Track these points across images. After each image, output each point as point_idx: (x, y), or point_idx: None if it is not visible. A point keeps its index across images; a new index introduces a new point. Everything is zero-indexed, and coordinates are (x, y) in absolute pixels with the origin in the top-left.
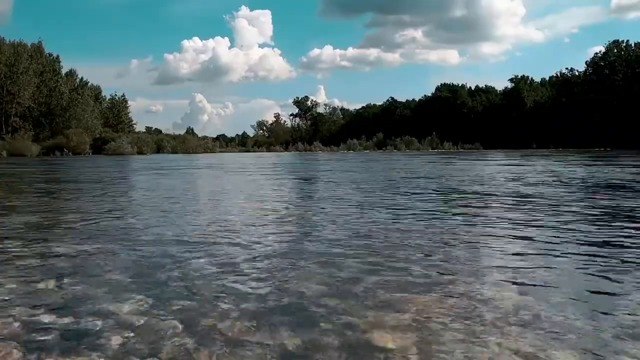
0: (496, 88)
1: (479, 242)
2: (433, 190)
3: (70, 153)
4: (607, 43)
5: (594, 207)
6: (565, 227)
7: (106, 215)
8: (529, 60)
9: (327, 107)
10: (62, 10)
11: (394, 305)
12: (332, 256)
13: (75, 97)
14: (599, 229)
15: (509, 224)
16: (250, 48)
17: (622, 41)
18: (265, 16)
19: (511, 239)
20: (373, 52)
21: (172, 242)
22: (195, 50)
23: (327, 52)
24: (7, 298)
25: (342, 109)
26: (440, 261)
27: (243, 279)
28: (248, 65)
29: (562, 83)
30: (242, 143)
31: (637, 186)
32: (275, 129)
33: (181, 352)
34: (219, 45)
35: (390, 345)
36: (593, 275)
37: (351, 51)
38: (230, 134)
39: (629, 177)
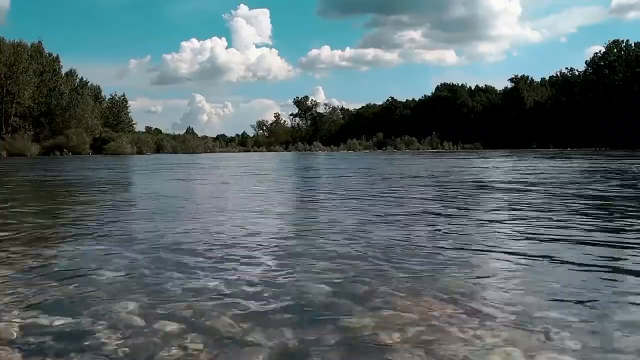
0: (496, 88)
1: None
2: None
3: (70, 153)
4: (607, 43)
5: None
6: None
7: (106, 216)
8: (528, 60)
9: (327, 107)
10: (61, 9)
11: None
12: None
13: (75, 97)
14: None
15: None
16: (248, 48)
17: (622, 41)
18: (263, 15)
19: None
20: (371, 52)
21: (172, 242)
22: (192, 51)
23: (326, 52)
24: (7, 299)
25: (342, 109)
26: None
27: (244, 279)
28: (246, 65)
29: (562, 83)
30: (242, 143)
31: None
32: (275, 129)
33: (181, 352)
34: (217, 45)
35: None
36: None
37: (350, 51)
38: (230, 133)
39: None
